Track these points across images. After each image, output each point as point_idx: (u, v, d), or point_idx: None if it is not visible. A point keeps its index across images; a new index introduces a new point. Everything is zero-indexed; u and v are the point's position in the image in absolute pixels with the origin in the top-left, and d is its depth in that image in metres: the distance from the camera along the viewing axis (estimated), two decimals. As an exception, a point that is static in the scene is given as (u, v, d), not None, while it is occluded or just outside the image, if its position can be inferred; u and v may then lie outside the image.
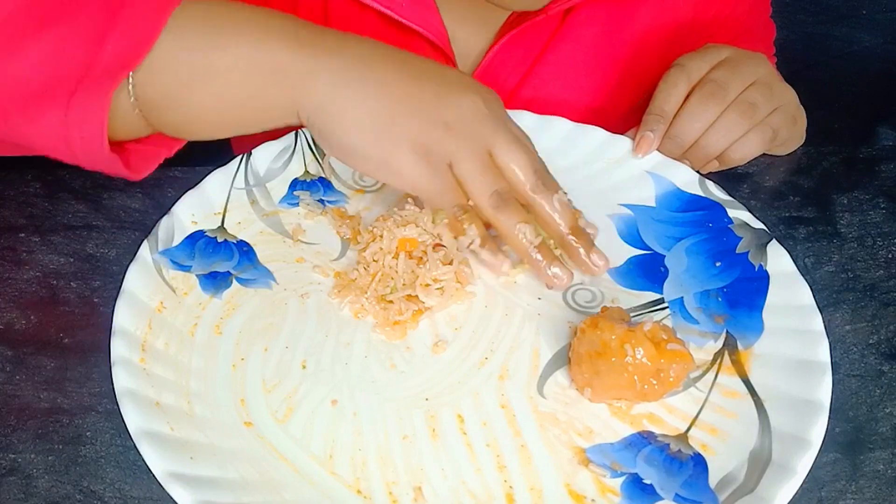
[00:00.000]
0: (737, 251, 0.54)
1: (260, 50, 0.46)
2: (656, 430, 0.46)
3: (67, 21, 0.43)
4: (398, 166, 0.48)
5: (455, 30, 0.68)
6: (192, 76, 0.45)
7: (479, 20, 0.69)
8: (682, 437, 0.46)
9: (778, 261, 0.53)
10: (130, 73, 0.44)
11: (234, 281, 0.53)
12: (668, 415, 0.47)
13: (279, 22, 0.47)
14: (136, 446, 0.43)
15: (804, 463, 0.43)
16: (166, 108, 0.46)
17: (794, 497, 0.42)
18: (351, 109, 0.47)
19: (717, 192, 0.57)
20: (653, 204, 0.58)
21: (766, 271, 0.53)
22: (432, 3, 0.67)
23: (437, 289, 0.51)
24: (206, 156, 0.58)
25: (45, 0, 0.43)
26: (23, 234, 0.56)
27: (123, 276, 0.50)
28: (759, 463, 0.44)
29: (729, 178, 0.61)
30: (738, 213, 0.56)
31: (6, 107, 0.43)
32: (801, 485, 0.43)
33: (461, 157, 0.49)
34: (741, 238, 0.55)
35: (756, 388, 0.48)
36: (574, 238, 0.52)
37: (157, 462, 0.42)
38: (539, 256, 0.51)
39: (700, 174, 0.58)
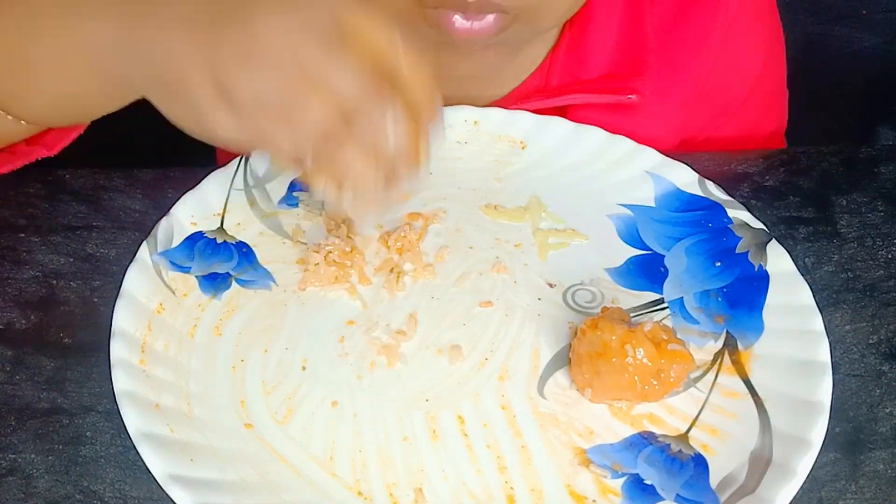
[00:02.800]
0: (736, 251, 0.54)
1: (73, 35, 0.46)
2: (657, 431, 0.46)
3: None
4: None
5: None
6: (14, 70, 0.47)
7: (457, 95, 0.64)
8: (683, 438, 0.46)
9: (778, 261, 0.53)
10: None
11: (234, 282, 0.53)
12: (668, 415, 0.47)
13: None
14: (135, 447, 0.43)
15: (805, 463, 0.43)
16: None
17: (794, 497, 0.42)
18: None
19: (716, 192, 0.57)
20: (652, 204, 0.58)
21: (766, 271, 0.53)
22: None
23: None
24: (205, 156, 0.58)
25: None
26: (23, 234, 0.56)
27: (123, 277, 0.50)
28: (760, 463, 0.44)
29: (729, 178, 0.60)
30: (738, 213, 0.56)
31: None
32: (802, 485, 0.43)
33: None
34: (741, 238, 0.55)
35: (756, 389, 0.48)
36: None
37: (156, 464, 0.42)
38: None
39: (700, 174, 0.58)
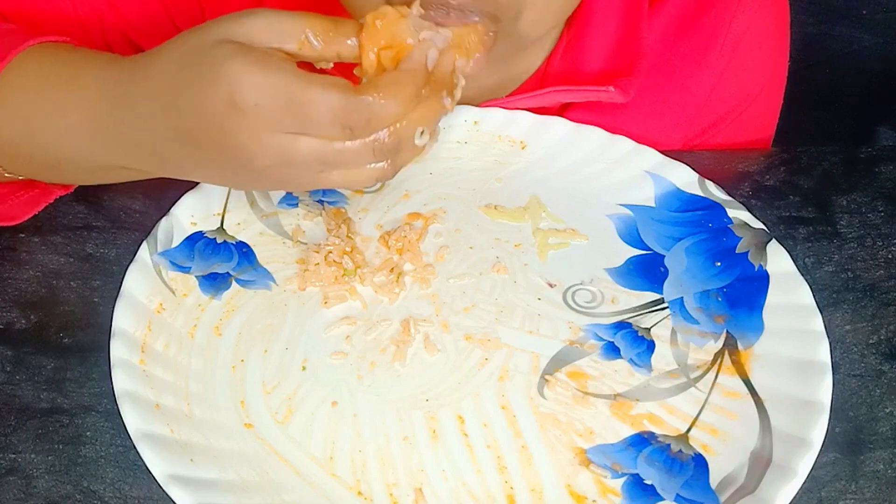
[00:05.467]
0: (737, 251, 0.54)
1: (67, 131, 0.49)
2: (657, 431, 0.46)
3: None
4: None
5: None
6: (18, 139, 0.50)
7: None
8: (683, 438, 0.46)
9: (778, 261, 0.53)
10: None
11: (234, 282, 0.53)
12: (668, 415, 0.47)
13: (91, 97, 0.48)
14: (135, 447, 0.43)
15: (805, 463, 0.43)
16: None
17: (794, 497, 0.42)
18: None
19: (716, 192, 0.57)
20: (652, 204, 0.58)
21: (766, 271, 0.53)
22: None
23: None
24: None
25: None
26: (23, 234, 0.56)
27: (123, 277, 0.50)
28: (760, 463, 0.44)
29: (729, 178, 0.60)
30: (738, 213, 0.56)
31: None
32: (802, 485, 0.43)
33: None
34: (741, 238, 0.55)
35: (756, 389, 0.48)
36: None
37: (157, 464, 0.42)
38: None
39: (700, 174, 0.58)
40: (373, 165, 0.44)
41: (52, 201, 0.56)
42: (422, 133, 0.44)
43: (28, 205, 0.55)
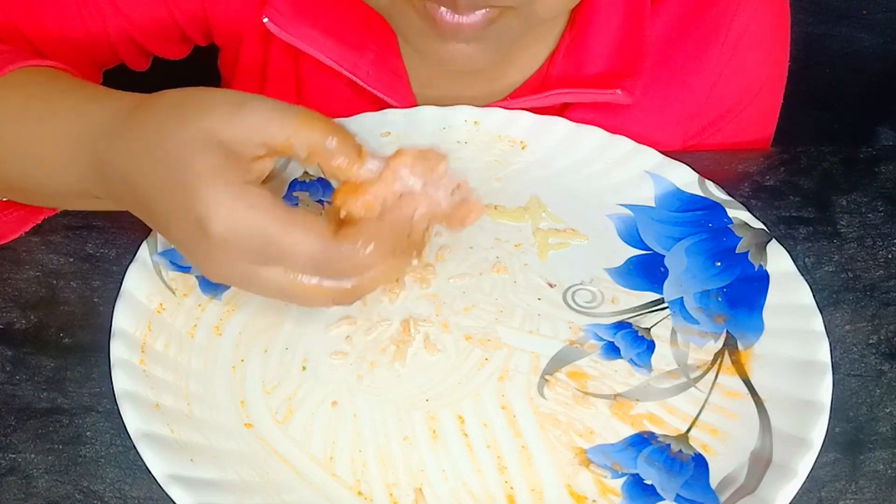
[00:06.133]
0: (737, 251, 0.54)
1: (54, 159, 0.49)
2: (657, 431, 0.46)
3: None
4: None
5: (434, 100, 0.64)
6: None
7: (453, 94, 0.65)
8: (683, 438, 0.46)
9: (778, 261, 0.53)
10: None
11: (234, 281, 0.53)
12: (668, 415, 0.47)
13: (78, 130, 0.48)
14: (135, 447, 0.43)
15: (805, 463, 0.43)
16: None
17: (794, 497, 0.42)
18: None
19: (716, 192, 0.57)
20: (652, 204, 0.58)
21: (766, 271, 0.53)
22: (402, 71, 0.65)
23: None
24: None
25: None
26: (23, 234, 0.56)
27: (123, 277, 0.50)
28: (760, 463, 0.44)
29: (729, 178, 0.61)
30: (738, 213, 0.56)
31: None
32: (802, 485, 0.43)
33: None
34: (741, 238, 0.55)
35: (756, 389, 0.48)
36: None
37: (157, 464, 0.42)
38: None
39: (700, 174, 0.58)
40: (330, 299, 0.45)
41: (39, 221, 0.56)
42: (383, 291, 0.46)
43: (16, 223, 0.55)
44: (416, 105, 0.64)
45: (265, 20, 0.62)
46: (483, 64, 0.58)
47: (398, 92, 0.65)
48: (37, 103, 0.51)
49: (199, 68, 0.74)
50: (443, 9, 0.52)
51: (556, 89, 0.63)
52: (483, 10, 0.52)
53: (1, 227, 0.55)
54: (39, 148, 0.50)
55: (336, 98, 0.67)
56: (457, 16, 0.53)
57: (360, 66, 0.64)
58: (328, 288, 0.44)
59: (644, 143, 0.60)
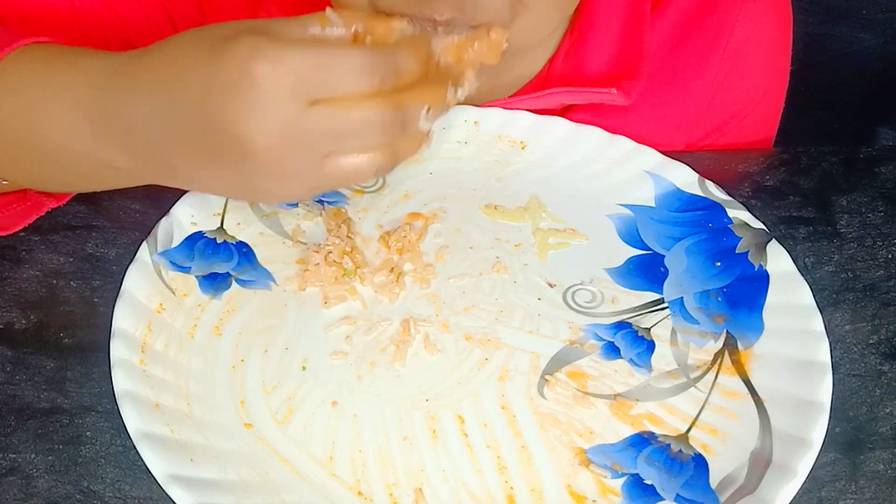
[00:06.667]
0: (737, 251, 0.54)
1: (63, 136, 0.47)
2: (657, 431, 0.46)
3: None
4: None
5: None
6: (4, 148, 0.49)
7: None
8: (683, 438, 0.46)
9: (778, 261, 0.53)
10: None
11: (234, 282, 0.53)
12: (668, 415, 0.47)
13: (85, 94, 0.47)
14: (135, 447, 0.43)
15: (805, 463, 0.43)
16: None
17: (794, 497, 0.42)
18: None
19: (716, 192, 0.57)
20: (652, 204, 0.58)
21: (766, 271, 0.53)
22: None
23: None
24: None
25: None
26: (23, 234, 0.56)
27: (123, 277, 0.50)
28: (760, 463, 0.44)
29: (729, 178, 0.61)
30: (738, 213, 0.56)
31: None
32: (802, 485, 0.43)
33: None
34: (741, 238, 0.55)
35: (756, 389, 0.48)
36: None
37: (157, 464, 0.42)
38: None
39: (700, 174, 0.58)
40: (374, 157, 0.43)
41: (42, 214, 0.56)
42: (427, 112, 0.44)
43: (20, 216, 0.55)
44: None
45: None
46: (485, 83, 0.58)
47: None
48: (49, 69, 0.49)
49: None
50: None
51: (550, 87, 0.63)
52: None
53: (4, 220, 0.55)
54: (48, 111, 0.48)
55: None
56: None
57: None
58: (376, 115, 0.42)
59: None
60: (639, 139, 0.60)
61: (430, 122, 0.44)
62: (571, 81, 0.64)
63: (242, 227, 0.56)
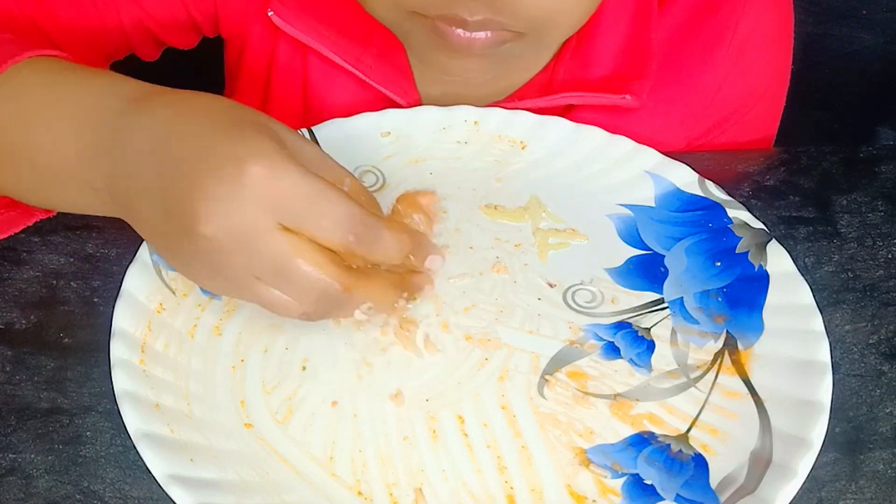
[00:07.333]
0: (737, 251, 0.54)
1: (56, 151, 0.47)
2: (657, 431, 0.46)
3: None
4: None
5: (436, 99, 0.64)
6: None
7: (457, 92, 0.65)
8: (683, 438, 0.46)
9: (778, 261, 0.53)
10: None
11: (234, 281, 0.53)
12: (668, 415, 0.47)
13: (87, 114, 0.47)
14: (135, 447, 0.43)
15: (805, 463, 0.43)
16: None
17: (794, 497, 0.42)
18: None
19: (716, 192, 0.57)
20: (652, 204, 0.58)
21: (766, 271, 0.53)
22: (407, 67, 0.65)
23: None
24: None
25: None
26: (23, 234, 0.56)
27: (123, 277, 0.50)
28: (760, 463, 0.44)
29: (729, 178, 0.61)
30: (738, 213, 0.56)
31: None
32: (802, 485, 0.43)
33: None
34: (741, 238, 0.55)
35: (756, 389, 0.48)
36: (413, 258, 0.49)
37: (157, 464, 0.42)
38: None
39: (700, 174, 0.58)
40: (301, 308, 0.44)
41: (31, 223, 0.55)
42: (368, 308, 0.46)
43: (7, 223, 0.55)
44: (421, 102, 0.64)
45: (270, 13, 0.63)
46: (486, 77, 0.58)
47: (402, 88, 0.65)
48: (52, 84, 0.50)
49: (204, 60, 0.74)
50: (454, 28, 0.52)
51: (563, 92, 0.63)
52: (494, 31, 0.53)
53: None
54: (46, 120, 0.48)
55: (342, 94, 0.67)
56: (468, 33, 0.53)
57: (363, 61, 0.64)
58: (320, 280, 0.43)
59: (647, 145, 0.60)
60: (641, 136, 0.60)
61: (364, 316, 0.46)
62: (578, 81, 0.64)
63: (242, 227, 0.56)
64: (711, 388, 0.48)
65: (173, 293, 0.51)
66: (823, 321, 0.49)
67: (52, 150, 0.48)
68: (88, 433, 0.47)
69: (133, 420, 0.44)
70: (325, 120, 0.60)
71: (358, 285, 0.44)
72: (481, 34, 0.54)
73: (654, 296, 0.53)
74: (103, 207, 0.48)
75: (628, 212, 0.58)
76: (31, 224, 0.55)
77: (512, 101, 0.64)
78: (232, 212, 0.41)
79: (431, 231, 0.54)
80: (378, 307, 0.46)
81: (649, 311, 0.52)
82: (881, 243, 0.57)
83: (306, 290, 0.43)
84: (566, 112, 0.64)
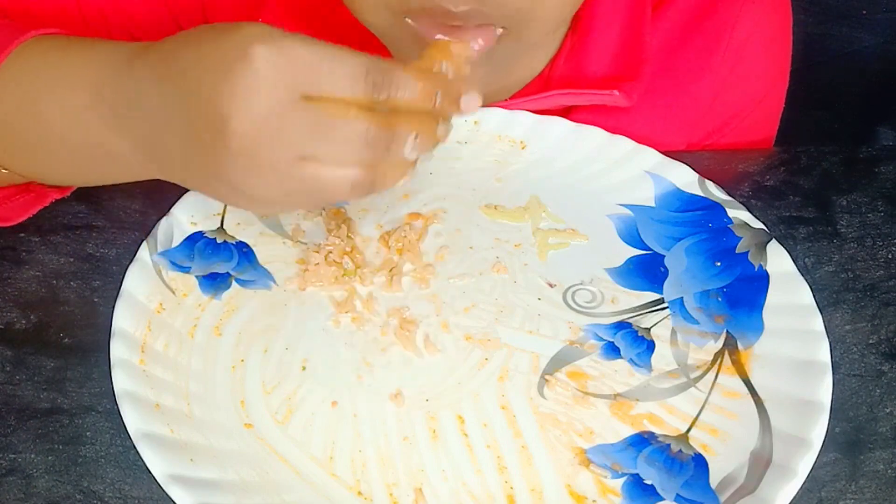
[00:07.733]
0: (737, 251, 0.54)
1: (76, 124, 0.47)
2: (657, 431, 0.46)
3: None
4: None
5: None
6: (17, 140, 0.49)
7: None
8: (683, 438, 0.46)
9: (778, 261, 0.53)
10: None
11: (234, 282, 0.53)
12: (668, 415, 0.47)
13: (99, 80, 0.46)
14: (135, 447, 0.43)
15: (805, 463, 0.43)
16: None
17: (794, 497, 0.42)
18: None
19: (716, 192, 0.57)
20: (652, 204, 0.58)
21: (766, 271, 0.53)
22: None
23: None
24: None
25: None
26: (23, 234, 0.56)
27: (123, 277, 0.50)
28: (760, 463, 0.44)
29: (729, 178, 0.61)
30: (738, 213, 0.56)
31: None
32: (801, 485, 0.43)
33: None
34: (741, 238, 0.55)
35: (756, 389, 0.48)
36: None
37: (157, 464, 0.42)
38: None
39: (700, 174, 0.58)
40: (352, 173, 0.42)
41: (47, 204, 0.56)
42: (415, 140, 0.43)
43: (23, 207, 0.55)
44: None
45: (260, 21, 0.62)
46: (487, 86, 0.58)
47: None
48: (60, 58, 0.49)
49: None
50: (439, 35, 0.52)
51: (552, 90, 0.63)
52: (479, 41, 0.52)
53: (8, 211, 0.55)
54: (57, 97, 0.48)
55: None
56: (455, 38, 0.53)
57: None
58: (360, 127, 0.41)
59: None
60: (639, 140, 0.60)
61: (417, 152, 0.43)
62: (573, 82, 0.64)
63: (242, 226, 0.56)
64: (711, 388, 0.48)
65: (173, 293, 0.51)
66: (823, 321, 0.49)
67: (68, 125, 0.47)
68: (88, 433, 0.47)
69: (133, 420, 0.44)
70: None
71: (396, 119, 0.42)
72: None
73: (654, 296, 0.53)
74: (136, 166, 0.47)
75: (628, 212, 0.58)
76: (46, 205, 0.55)
77: (507, 101, 0.64)
78: (254, 99, 0.40)
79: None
80: (422, 137, 0.43)
81: (649, 311, 0.52)
82: (881, 243, 0.57)
83: (349, 142, 0.41)
84: (564, 116, 0.64)
